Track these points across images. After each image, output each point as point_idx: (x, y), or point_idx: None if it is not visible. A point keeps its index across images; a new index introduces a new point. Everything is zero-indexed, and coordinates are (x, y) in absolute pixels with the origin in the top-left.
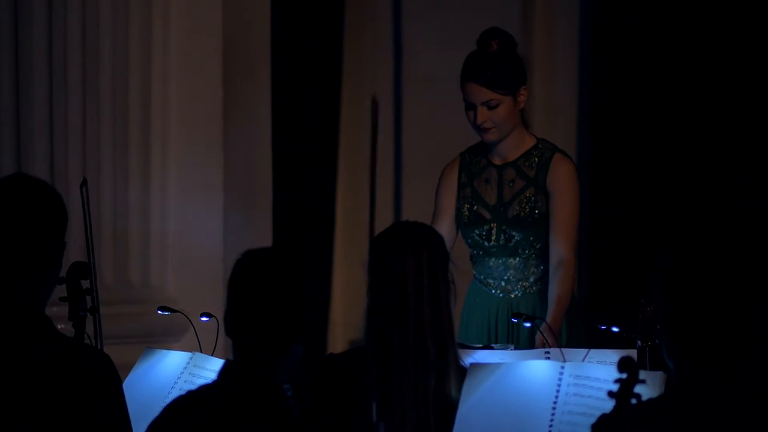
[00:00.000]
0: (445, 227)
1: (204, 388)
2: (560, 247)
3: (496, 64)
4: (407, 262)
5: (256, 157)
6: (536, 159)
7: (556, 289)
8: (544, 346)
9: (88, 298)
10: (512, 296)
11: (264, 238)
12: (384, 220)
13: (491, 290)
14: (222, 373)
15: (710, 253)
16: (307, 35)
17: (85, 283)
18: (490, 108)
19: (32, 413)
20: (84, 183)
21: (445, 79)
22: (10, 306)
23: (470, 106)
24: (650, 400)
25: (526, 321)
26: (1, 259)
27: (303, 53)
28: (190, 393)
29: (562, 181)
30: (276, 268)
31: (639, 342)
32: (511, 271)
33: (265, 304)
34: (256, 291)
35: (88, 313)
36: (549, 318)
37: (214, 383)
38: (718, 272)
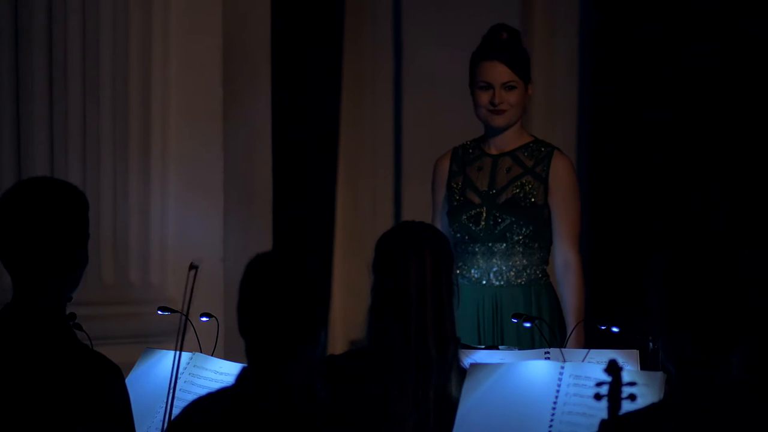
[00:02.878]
0: (443, 224)
1: (224, 391)
2: (565, 247)
3: (513, 47)
4: (410, 263)
5: (256, 157)
6: (535, 151)
7: (570, 301)
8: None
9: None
10: (496, 285)
11: (264, 239)
12: (384, 220)
13: (472, 282)
14: (240, 376)
15: (706, 254)
16: (307, 35)
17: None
18: (507, 90)
19: (31, 415)
20: (194, 267)
21: (445, 79)
22: (34, 306)
23: (486, 87)
24: (653, 404)
25: (526, 321)
26: (29, 259)
27: (303, 53)
28: (210, 395)
29: (566, 178)
30: (287, 269)
31: (651, 344)
32: (496, 258)
33: (277, 306)
34: (268, 293)
35: None
36: (573, 337)
37: (233, 386)
38: (715, 273)
